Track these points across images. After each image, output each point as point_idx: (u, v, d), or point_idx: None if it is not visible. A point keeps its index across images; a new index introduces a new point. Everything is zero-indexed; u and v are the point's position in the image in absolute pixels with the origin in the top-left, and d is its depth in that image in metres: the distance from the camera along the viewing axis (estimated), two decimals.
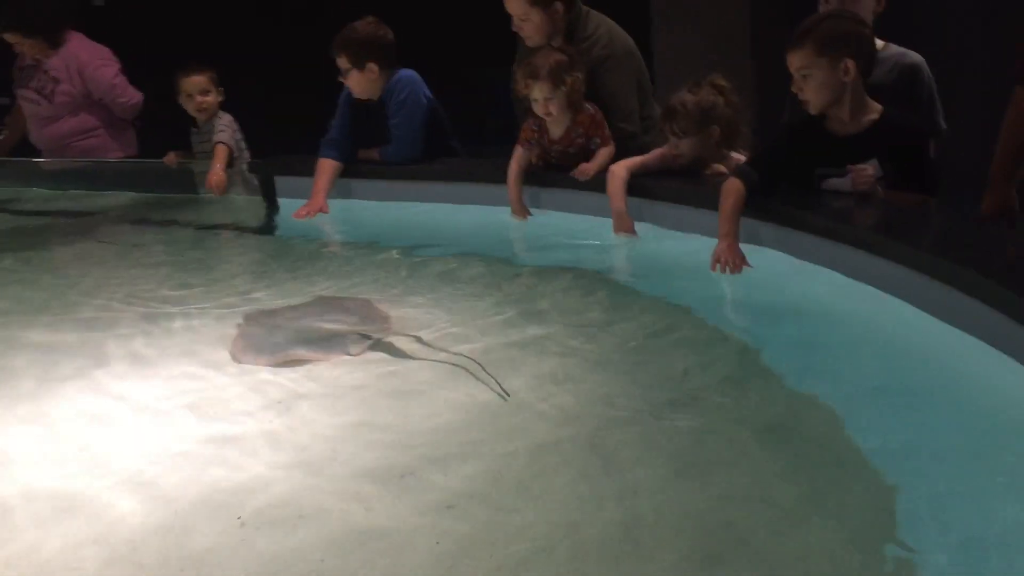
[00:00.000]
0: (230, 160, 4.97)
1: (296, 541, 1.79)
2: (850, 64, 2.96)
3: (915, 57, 3.28)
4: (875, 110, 3.07)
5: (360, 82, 4.41)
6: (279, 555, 1.76)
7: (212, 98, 4.98)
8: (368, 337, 2.76)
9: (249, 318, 3.00)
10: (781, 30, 5.40)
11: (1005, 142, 3.06)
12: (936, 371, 2.32)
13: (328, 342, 2.74)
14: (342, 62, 4.38)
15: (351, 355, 2.67)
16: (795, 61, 3.00)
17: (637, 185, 3.64)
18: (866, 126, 3.05)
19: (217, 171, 4.89)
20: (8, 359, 2.84)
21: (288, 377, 2.57)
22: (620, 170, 3.62)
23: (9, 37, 5.33)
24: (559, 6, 3.89)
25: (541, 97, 3.79)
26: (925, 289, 2.51)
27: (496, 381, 2.43)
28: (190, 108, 4.99)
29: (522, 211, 3.97)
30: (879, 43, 3.21)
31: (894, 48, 3.29)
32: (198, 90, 4.94)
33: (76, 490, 2.03)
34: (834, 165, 3.06)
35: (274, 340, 2.76)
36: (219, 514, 1.90)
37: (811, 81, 2.99)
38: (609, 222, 3.64)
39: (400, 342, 2.77)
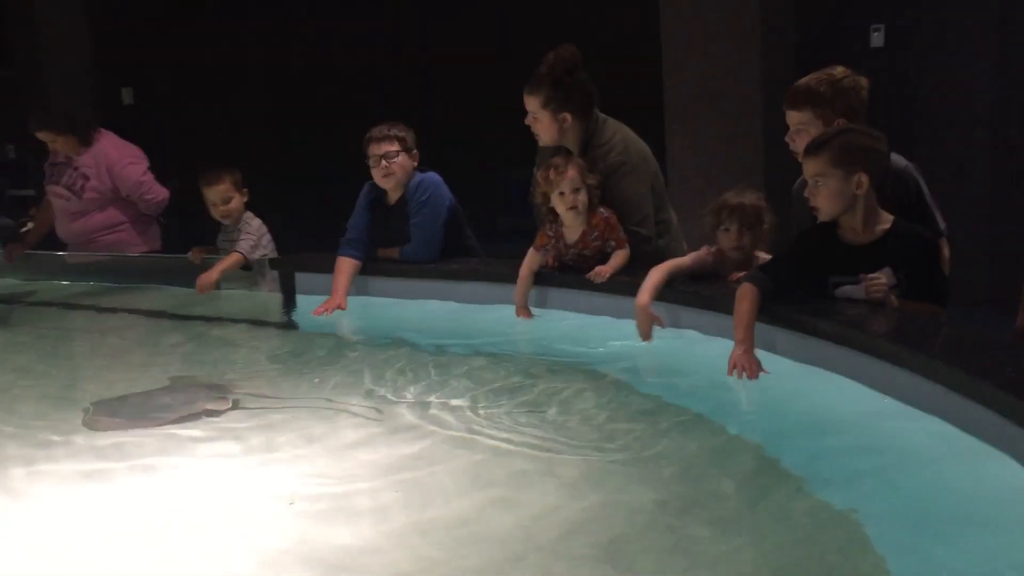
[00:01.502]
0: (243, 266, 4.98)
1: None
2: (863, 178, 3.03)
3: (900, 162, 3.28)
4: (887, 220, 3.12)
5: (405, 166, 4.53)
6: None
7: (235, 204, 5.04)
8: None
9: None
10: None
11: None
12: (953, 482, 2.31)
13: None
14: (390, 146, 4.49)
15: None
16: (811, 168, 3.07)
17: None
18: (878, 235, 3.10)
19: (210, 273, 4.91)
20: None
21: None
22: (659, 272, 3.62)
23: (42, 136, 5.51)
24: (567, 116, 4.00)
25: (569, 189, 3.87)
26: (939, 398, 2.52)
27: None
28: (215, 215, 5.08)
29: (525, 312, 4.05)
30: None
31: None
32: (220, 199, 5.00)
33: None
34: (847, 273, 3.10)
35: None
36: None
37: (824, 189, 3.06)
38: (623, 324, 3.67)
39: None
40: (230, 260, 4.95)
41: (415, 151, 4.56)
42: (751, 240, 3.61)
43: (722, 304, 3.36)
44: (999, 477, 2.25)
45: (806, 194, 3.13)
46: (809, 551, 2.06)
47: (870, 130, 3.10)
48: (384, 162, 4.50)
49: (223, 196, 5.01)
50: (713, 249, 3.67)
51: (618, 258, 3.93)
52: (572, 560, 2.06)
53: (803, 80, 3.34)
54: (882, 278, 3.03)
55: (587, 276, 3.92)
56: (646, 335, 3.55)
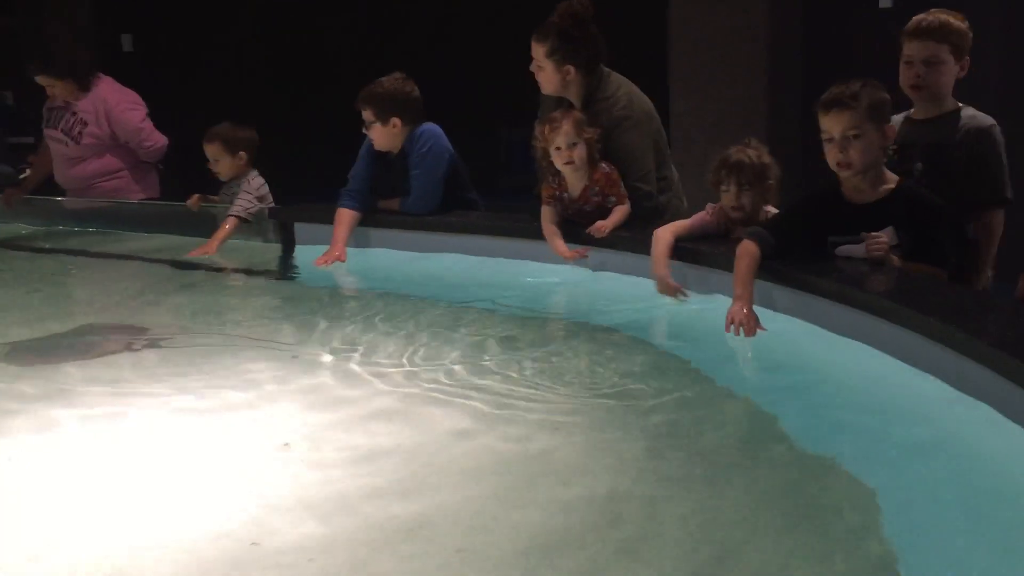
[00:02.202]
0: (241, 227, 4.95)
1: None
2: (890, 130, 3.03)
3: (986, 120, 3.24)
4: (892, 180, 3.11)
5: (383, 135, 4.50)
6: None
7: (223, 165, 5.00)
8: None
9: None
10: (796, 95, 5.52)
11: None
12: (949, 438, 2.33)
13: None
14: (367, 115, 4.47)
15: None
16: (844, 122, 3.00)
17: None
18: (882, 195, 3.09)
19: (207, 245, 4.84)
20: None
21: None
22: (666, 234, 3.58)
23: (41, 80, 5.45)
24: (571, 68, 3.97)
25: (565, 144, 3.85)
26: (934, 356, 2.53)
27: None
28: (212, 170, 5.06)
29: (571, 252, 3.95)
30: (956, 105, 3.26)
31: (968, 110, 3.27)
32: (212, 157, 5.00)
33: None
34: (849, 232, 3.09)
35: None
36: None
37: (859, 142, 3.01)
38: (625, 279, 3.67)
39: None
40: (225, 228, 4.89)
41: (394, 120, 4.44)
42: (753, 198, 3.54)
43: (722, 261, 3.35)
44: (992, 434, 2.26)
45: (835, 150, 3.03)
46: (799, 501, 2.08)
47: (879, 84, 3.08)
48: (365, 129, 4.50)
49: (213, 155, 5.00)
50: (716, 208, 3.64)
51: (618, 213, 3.91)
52: (567, 510, 2.07)
53: (933, 14, 3.24)
54: (883, 237, 3.02)
55: (587, 231, 3.92)
56: (674, 292, 3.51)
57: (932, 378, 2.56)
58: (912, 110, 3.36)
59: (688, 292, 3.50)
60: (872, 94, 3.02)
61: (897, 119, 3.35)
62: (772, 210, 3.55)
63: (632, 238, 3.80)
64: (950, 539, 1.90)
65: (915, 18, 3.26)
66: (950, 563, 1.81)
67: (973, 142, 3.20)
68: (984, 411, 2.33)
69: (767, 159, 3.54)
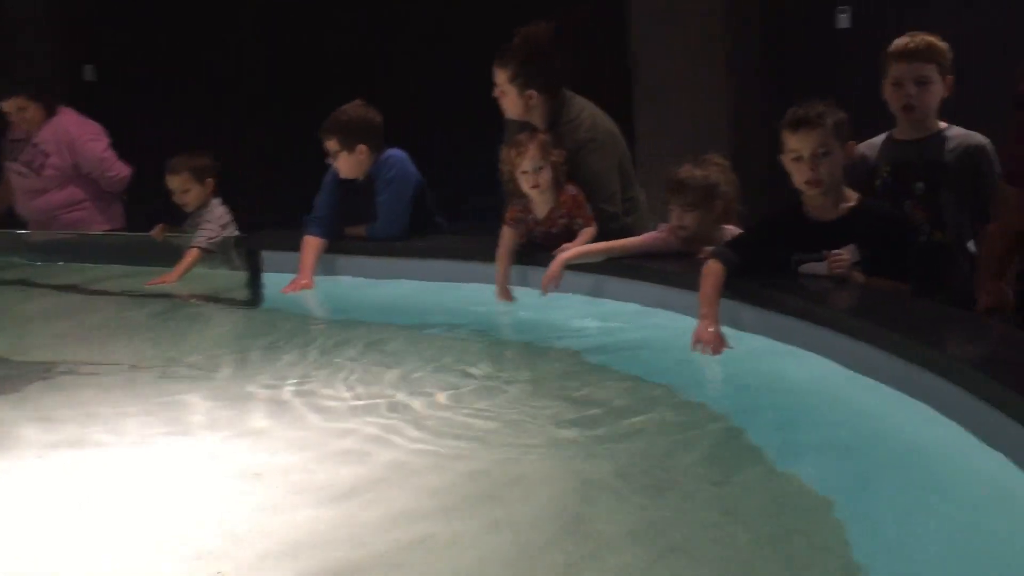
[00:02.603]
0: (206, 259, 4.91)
1: None
2: (850, 148, 3.09)
3: (980, 139, 3.28)
4: (852, 198, 3.15)
5: (349, 163, 4.49)
6: None
7: (193, 195, 4.97)
8: None
9: None
10: (759, 116, 5.58)
11: (994, 242, 3.10)
12: (915, 451, 2.34)
13: None
14: (331, 144, 4.46)
15: None
16: (813, 140, 3.03)
17: (623, 265, 3.69)
18: (844, 212, 3.13)
19: (168, 275, 4.81)
20: None
21: None
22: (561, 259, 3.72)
23: (9, 105, 5.37)
24: (533, 93, 4.00)
25: (531, 168, 3.86)
26: (898, 370, 2.55)
27: None
28: (177, 201, 5.03)
29: (507, 294, 3.98)
30: (941, 124, 3.30)
31: (957, 129, 3.31)
32: (179, 188, 4.96)
33: None
34: (812, 250, 3.13)
35: None
36: None
37: (828, 160, 3.05)
38: (593, 302, 3.68)
39: None
40: (188, 260, 4.86)
41: (360, 147, 4.43)
42: (699, 218, 3.54)
43: (686, 281, 3.37)
44: (960, 450, 2.28)
45: (804, 170, 3.05)
46: (775, 524, 2.07)
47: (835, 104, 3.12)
48: (329, 159, 4.50)
49: (181, 186, 4.96)
50: (668, 227, 3.67)
51: (584, 235, 3.92)
52: (540, 534, 2.06)
53: (917, 36, 3.27)
54: (845, 254, 3.06)
55: (553, 254, 3.92)
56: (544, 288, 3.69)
57: (897, 392, 2.58)
58: (894, 131, 3.38)
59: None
60: (835, 113, 3.08)
61: (875, 142, 3.40)
62: (732, 229, 3.57)
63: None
64: (920, 553, 1.91)
65: (899, 41, 3.29)
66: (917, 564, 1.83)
67: (970, 160, 3.24)
68: (951, 427, 2.34)
69: (718, 177, 3.54)
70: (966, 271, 3.30)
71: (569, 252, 3.74)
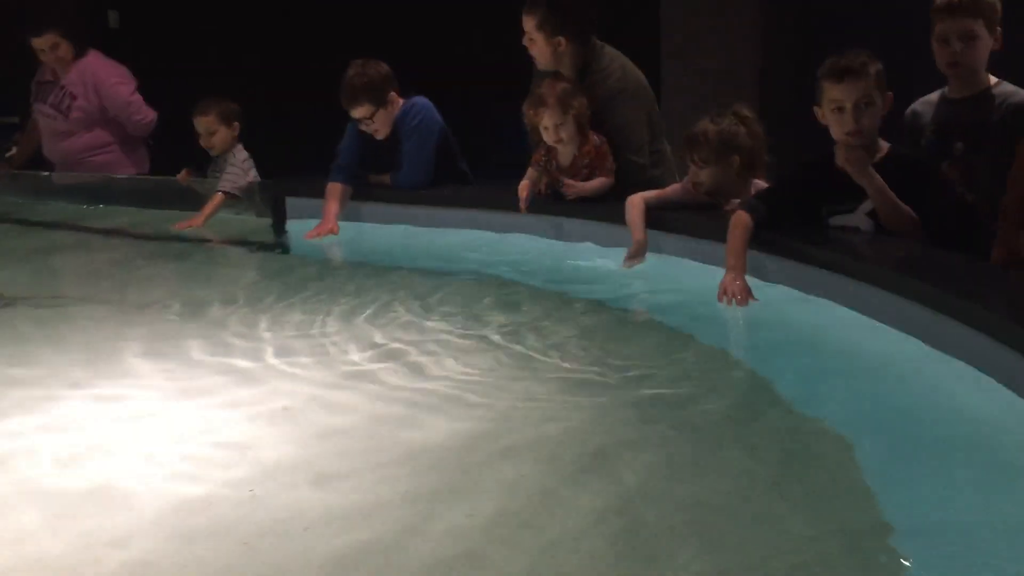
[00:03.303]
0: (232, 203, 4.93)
1: None
2: (889, 99, 3.04)
3: None
4: (883, 147, 3.11)
5: (386, 118, 4.47)
6: None
7: (219, 137, 4.98)
8: None
9: None
10: (789, 68, 5.50)
11: (1011, 194, 3.03)
12: (939, 401, 2.34)
13: None
14: (363, 111, 4.42)
15: None
16: (858, 91, 2.99)
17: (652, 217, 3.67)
18: (876, 163, 3.09)
19: (195, 219, 4.84)
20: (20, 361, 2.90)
21: None
22: (638, 200, 3.64)
23: (48, 38, 5.36)
24: (562, 40, 3.96)
25: (552, 124, 3.86)
26: (926, 321, 2.55)
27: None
28: (202, 144, 5.03)
29: (525, 204, 4.03)
30: (992, 80, 3.22)
31: (1006, 86, 3.22)
32: (205, 131, 4.96)
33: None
34: (842, 202, 3.10)
35: None
36: None
37: (871, 111, 3.01)
38: (621, 252, 3.67)
39: None
40: (213, 203, 4.88)
41: (390, 100, 4.43)
42: (715, 173, 3.49)
43: (713, 231, 3.35)
44: (978, 397, 2.29)
45: (848, 120, 3.01)
46: (795, 467, 2.08)
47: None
48: (362, 126, 4.48)
49: (208, 128, 4.96)
50: (687, 183, 3.64)
51: (598, 183, 3.90)
52: (563, 474, 2.08)
53: None
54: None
55: (560, 189, 3.93)
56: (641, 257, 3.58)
57: (924, 344, 2.57)
58: (947, 88, 3.30)
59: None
60: (876, 64, 3.03)
61: (931, 98, 3.33)
62: (760, 184, 3.54)
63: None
64: (931, 483, 1.95)
65: None
66: (932, 506, 1.85)
67: (1013, 120, 3.14)
68: (970, 373, 2.35)
69: (737, 130, 3.48)
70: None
71: (635, 215, 3.63)
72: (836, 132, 3.06)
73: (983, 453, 2.07)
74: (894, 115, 3.20)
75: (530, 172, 4.09)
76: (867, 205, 3.06)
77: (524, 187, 4.07)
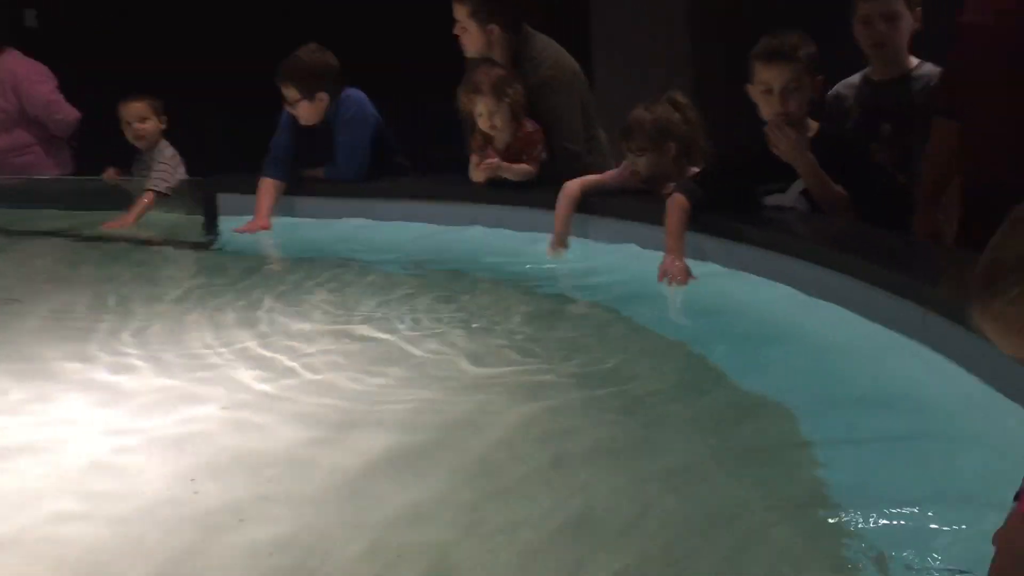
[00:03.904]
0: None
1: None
2: (819, 83, 3.08)
3: None
4: (813, 128, 3.16)
5: (309, 110, 4.40)
6: None
7: (151, 126, 4.87)
8: None
9: None
10: (721, 49, 5.56)
11: (927, 173, 3.11)
12: (874, 369, 2.40)
13: None
14: (291, 93, 4.36)
15: None
16: (786, 74, 3.02)
17: (585, 202, 3.68)
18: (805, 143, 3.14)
19: (125, 218, 4.71)
20: None
21: None
22: (573, 188, 3.65)
23: None
24: (495, 27, 3.95)
25: (486, 111, 3.85)
26: (859, 295, 2.61)
27: None
28: (129, 136, 4.89)
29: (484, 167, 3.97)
30: (913, 61, 3.27)
31: (928, 66, 3.27)
32: (136, 117, 4.84)
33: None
34: (777, 181, 3.15)
35: None
36: None
37: (798, 94, 3.05)
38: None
39: None
40: (143, 203, 4.76)
41: (318, 97, 4.35)
42: (651, 160, 3.51)
43: (650, 215, 3.38)
44: (901, 361, 2.36)
45: (773, 104, 3.04)
46: (738, 440, 2.12)
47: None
48: (286, 106, 4.40)
49: (140, 114, 4.84)
50: (626, 165, 3.66)
51: (520, 167, 3.91)
52: (513, 458, 2.08)
53: None
54: None
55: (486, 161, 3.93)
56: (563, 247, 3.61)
57: (854, 314, 2.63)
58: (869, 70, 3.35)
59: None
60: (807, 46, 3.06)
61: (853, 81, 3.38)
62: (694, 169, 3.57)
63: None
64: (871, 455, 1.98)
65: None
66: (876, 480, 1.87)
67: (935, 99, 3.16)
68: (893, 338, 2.42)
69: (672, 117, 3.50)
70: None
71: (564, 203, 3.64)
72: (764, 113, 3.11)
73: (918, 418, 2.12)
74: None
75: (473, 159, 4.05)
76: (800, 184, 3.12)
77: (476, 161, 4.01)
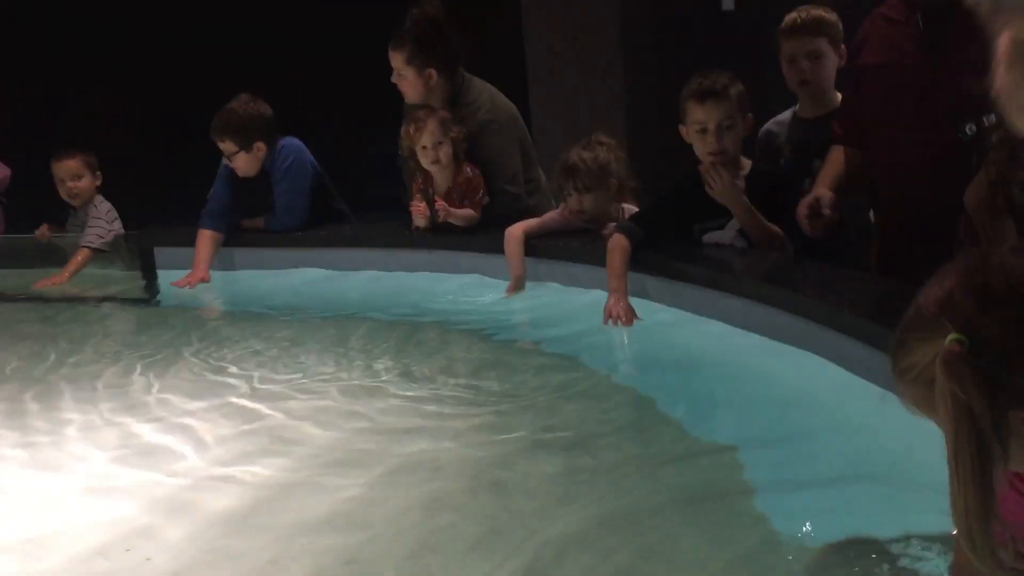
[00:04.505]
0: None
1: None
2: (750, 121, 3.15)
3: None
4: (746, 166, 3.23)
5: (247, 161, 4.38)
6: None
7: (85, 183, 4.80)
8: None
9: None
10: (653, 98, 5.67)
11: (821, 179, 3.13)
12: (816, 402, 2.45)
13: None
14: (227, 146, 4.33)
15: None
16: (719, 113, 3.08)
17: (528, 245, 3.70)
18: (738, 180, 3.20)
19: (59, 276, 4.61)
20: None
21: None
22: (516, 231, 3.68)
23: None
24: (432, 72, 3.98)
25: (431, 143, 3.85)
26: (797, 328, 2.65)
27: None
28: (63, 193, 4.81)
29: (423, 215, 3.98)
30: (839, 97, 3.29)
31: None
32: (70, 175, 4.77)
33: None
34: (714, 219, 3.20)
35: None
36: None
37: (732, 132, 3.11)
38: (503, 284, 3.68)
39: None
40: (79, 259, 4.67)
41: (256, 147, 4.33)
42: (596, 199, 3.57)
43: (592, 256, 3.41)
44: (836, 387, 2.43)
45: (710, 141, 3.09)
46: (685, 481, 2.12)
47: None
48: (224, 159, 4.39)
49: (74, 172, 4.77)
50: (565, 210, 3.70)
51: (465, 211, 3.92)
52: (457, 502, 2.08)
53: (804, 10, 3.30)
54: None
55: (436, 207, 3.92)
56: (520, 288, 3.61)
57: (799, 351, 2.67)
58: (797, 107, 3.43)
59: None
60: (737, 85, 3.13)
61: (783, 118, 3.46)
62: (629, 206, 3.63)
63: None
64: (822, 494, 1.99)
65: (789, 17, 3.34)
66: (824, 521, 1.87)
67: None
68: (854, 381, 2.43)
69: (607, 156, 3.56)
70: (860, 245, 3.37)
71: (513, 247, 3.67)
72: (699, 152, 3.17)
73: (857, 451, 2.15)
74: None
75: (414, 204, 4.04)
76: (736, 222, 3.17)
77: (416, 205, 4.01)
